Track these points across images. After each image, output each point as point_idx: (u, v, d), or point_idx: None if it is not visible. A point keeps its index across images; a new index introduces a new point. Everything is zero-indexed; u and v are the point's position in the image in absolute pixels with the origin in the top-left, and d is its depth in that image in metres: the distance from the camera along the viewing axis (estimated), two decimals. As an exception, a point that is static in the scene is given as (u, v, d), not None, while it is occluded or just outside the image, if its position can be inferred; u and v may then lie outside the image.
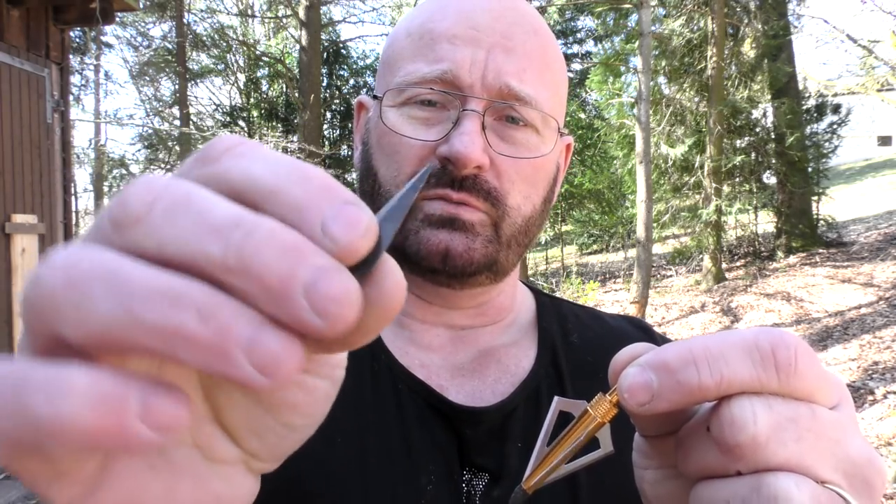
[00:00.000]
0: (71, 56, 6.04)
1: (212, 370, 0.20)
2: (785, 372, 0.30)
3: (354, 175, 0.74)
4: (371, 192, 0.67)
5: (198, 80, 14.54)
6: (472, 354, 0.70)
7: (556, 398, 0.37)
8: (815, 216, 11.46)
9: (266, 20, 15.90)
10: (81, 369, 0.20)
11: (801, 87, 12.19)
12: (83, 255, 0.21)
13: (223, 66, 14.74)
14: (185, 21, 12.60)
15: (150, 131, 12.77)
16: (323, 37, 13.48)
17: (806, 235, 11.20)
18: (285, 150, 10.70)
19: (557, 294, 7.90)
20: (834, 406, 0.32)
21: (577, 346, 0.73)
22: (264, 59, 15.00)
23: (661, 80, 12.07)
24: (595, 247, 16.52)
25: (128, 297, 0.20)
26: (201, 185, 0.23)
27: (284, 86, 14.77)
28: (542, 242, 15.83)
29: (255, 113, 15.37)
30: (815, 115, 11.72)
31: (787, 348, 0.30)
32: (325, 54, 14.46)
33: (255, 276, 0.20)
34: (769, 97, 11.18)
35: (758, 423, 0.29)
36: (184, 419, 0.21)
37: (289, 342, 0.20)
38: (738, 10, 11.47)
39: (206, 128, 14.20)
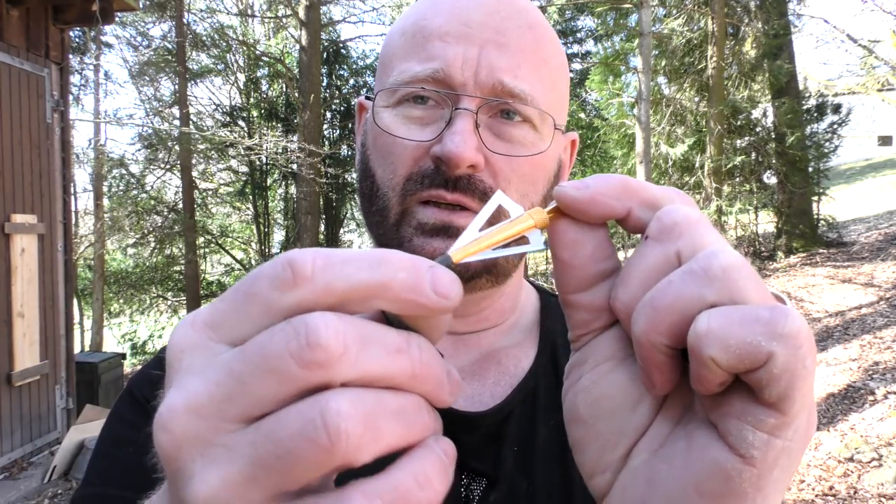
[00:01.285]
0: (71, 56, 6.04)
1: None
2: (685, 199, 0.35)
3: (355, 175, 0.73)
4: (370, 193, 0.66)
5: (198, 80, 14.53)
6: (474, 357, 0.70)
7: (498, 192, 0.38)
8: (815, 216, 11.45)
9: (266, 20, 15.89)
10: (424, 461, 0.27)
11: (801, 86, 12.18)
12: (353, 401, 0.25)
13: (223, 66, 14.73)
14: (185, 21, 12.59)
15: (149, 131, 12.76)
16: (323, 37, 13.47)
17: (806, 235, 11.19)
18: (285, 149, 10.68)
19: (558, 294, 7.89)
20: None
21: None
22: (264, 59, 14.99)
23: (661, 79, 12.07)
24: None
25: (402, 416, 0.26)
26: (324, 306, 0.26)
27: (284, 86, 14.76)
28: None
29: (255, 113, 15.36)
30: (815, 114, 11.71)
31: (686, 196, 0.36)
32: (325, 54, 14.45)
33: (430, 377, 0.28)
34: (769, 97, 11.18)
35: (688, 209, 0.33)
36: (458, 294, 0.28)
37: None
38: (738, 9, 11.47)
39: (205, 128, 14.19)
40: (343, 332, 0.25)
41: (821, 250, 10.88)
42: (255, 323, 0.26)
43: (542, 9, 10.73)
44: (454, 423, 0.63)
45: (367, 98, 0.69)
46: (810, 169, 11.32)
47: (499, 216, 0.40)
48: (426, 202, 0.62)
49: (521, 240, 0.35)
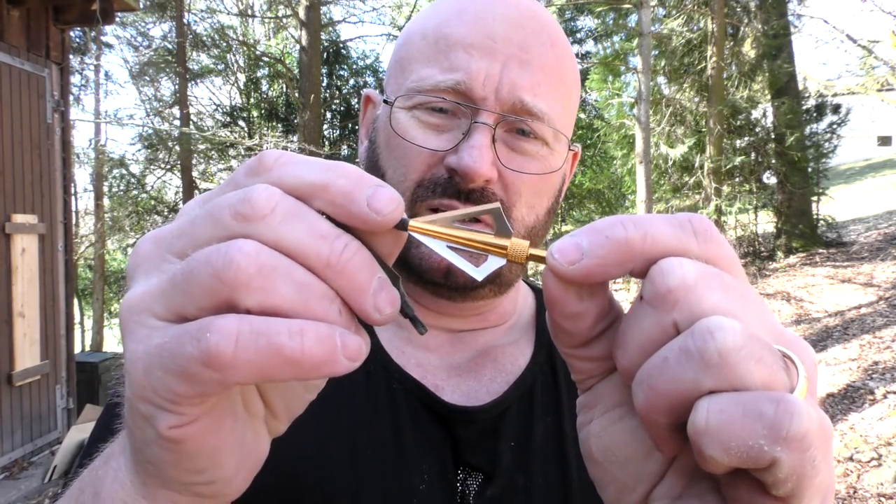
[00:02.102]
0: (71, 56, 6.04)
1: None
2: (703, 237, 0.31)
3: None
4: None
5: (198, 80, 14.52)
6: (470, 354, 0.70)
7: (498, 205, 0.35)
8: (814, 216, 11.45)
9: (266, 20, 15.88)
10: (308, 321, 0.28)
11: (801, 87, 12.18)
12: (258, 249, 0.28)
13: (223, 66, 14.73)
14: (185, 21, 12.58)
15: (150, 131, 12.76)
16: (323, 37, 13.46)
17: (806, 235, 11.19)
18: (285, 149, 10.67)
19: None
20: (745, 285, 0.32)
21: None
22: (264, 59, 14.99)
23: (661, 80, 12.07)
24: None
25: (301, 288, 0.28)
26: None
27: (284, 86, 14.76)
28: (543, 243, 15.79)
29: (255, 113, 15.36)
30: (814, 115, 11.71)
31: (702, 220, 0.31)
32: (325, 54, 14.45)
33: (347, 276, 0.29)
34: (769, 97, 11.18)
35: (684, 268, 0.29)
36: (365, 353, 0.29)
37: (364, 336, 0.30)
38: (738, 10, 11.47)
39: (206, 128, 14.19)
40: (277, 201, 0.29)
41: (820, 250, 10.88)
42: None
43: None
44: (450, 416, 0.64)
45: (385, 100, 0.69)
46: (810, 169, 11.32)
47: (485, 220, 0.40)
48: (436, 209, 0.62)
49: (480, 255, 0.34)
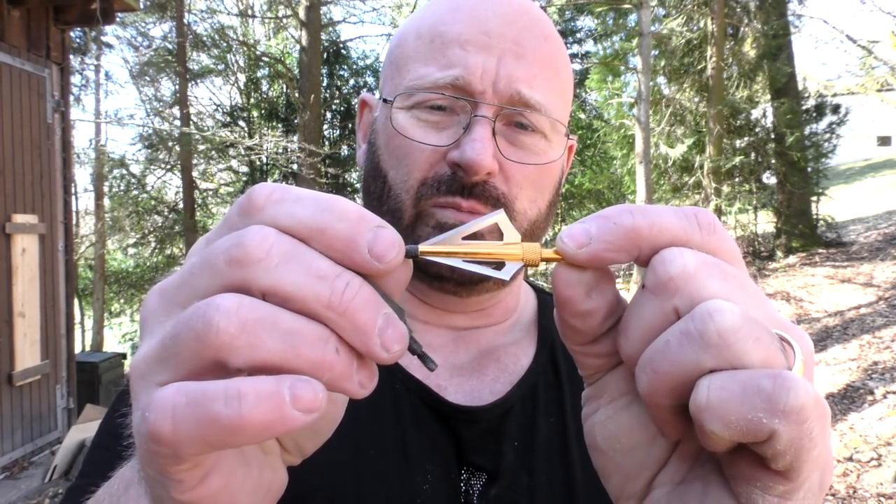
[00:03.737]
0: (71, 56, 6.04)
1: (334, 386, 0.28)
2: (707, 229, 0.32)
3: (355, 175, 0.72)
4: (380, 193, 0.67)
5: (198, 80, 14.52)
6: (473, 354, 0.71)
7: (501, 213, 0.36)
8: (814, 216, 11.45)
9: (266, 20, 15.88)
10: (245, 379, 0.26)
11: (800, 87, 12.18)
12: (238, 304, 0.26)
13: (223, 66, 14.72)
14: (185, 21, 12.58)
15: (150, 131, 12.75)
16: (323, 37, 13.46)
17: (805, 235, 11.19)
18: (285, 149, 10.68)
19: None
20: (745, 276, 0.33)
21: None
22: (264, 59, 14.99)
23: (661, 80, 12.07)
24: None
25: (290, 337, 0.27)
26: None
27: (284, 86, 14.75)
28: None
29: (255, 113, 15.36)
30: (814, 115, 11.71)
31: (706, 214, 0.32)
32: (325, 54, 14.44)
33: (349, 316, 0.28)
34: (769, 97, 11.18)
35: (685, 257, 0.30)
36: (321, 402, 0.26)
37: (371, 370, 0.30)
38: (737, 10, 11.47)
39: (206, 128, 14.19)
40: (272, 243, 0.28)
41: (820, 250, 10.88)
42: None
43: (543, 9, 10.73)
44: (453, 416, 0.64)
45: (384, 99, 0.70)
46: (809, 169, 11.32)
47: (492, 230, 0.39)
48: (442, 206, 0.63)
49: (497, 264, 0.35)
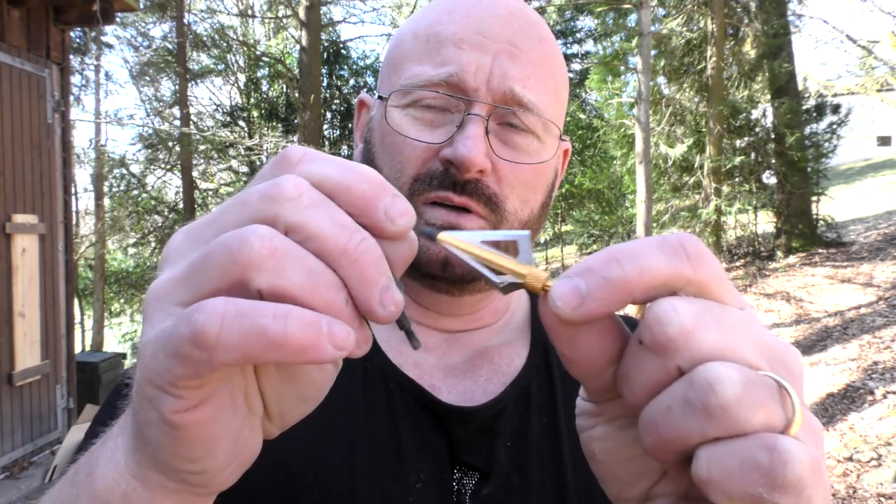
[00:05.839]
0: (71, 56, 6.04)
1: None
2: (696, 259, 0.31)
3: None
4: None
5: (198, 81, 14.52)
6: (466, 355, 0.71)
7: (527, 233, 0.36)
8: (814, 216, 11.45)
9: (266, 20, 15.88)
10: (294, 306, 0.29)
11: (800, 87, 12.18)
12: (273, 234, 0.29)
13: (223, 66, 14.73)
14: (185, 21, 12.58)
15: (150, 131, 12.76)
16: (323, 37, 13.46)
17: (805, 235, 11.20)
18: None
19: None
20: (741, 308, 0.33)
21: None
22: (264, 59, 14.99)
23: (661, 80, 12.07)
24: (595, 247, 16.52)
25: (311, 274, 0.29)
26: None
27: (285, 86, 14.76)
28: (542, 242, 15.83)
29: (255, 113, 15.36)
30: (814, 115, 11.71)
31: (692, 241, 0.32)
32: (325, 54, 14.44)
33: (360, 266, 0.30)
34: (769, 97, 11.18)
35: (679, 313, 0.30)
36: (352, 343, 0.29)
37: (367, 333, 0.32)
38: (737, 9, 11.47)
39: (206, 128, 14.19)
40: (304, 189, 0.31)
41: (820, 250, 10.89)
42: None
43: (542, 9, 10.74)
44: (447, 416, 0.64)
45: (379, 96, 0.70)
46: (809, 169, 11.32)
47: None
48: (433, 203, 0.64)
49: (501, 273, 0.36)
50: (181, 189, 13.03)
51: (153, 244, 13.21)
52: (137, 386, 0.32)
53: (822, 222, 11.43)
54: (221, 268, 0.29)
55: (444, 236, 0.35)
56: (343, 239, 0.30)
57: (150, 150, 13.09)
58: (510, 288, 0.35)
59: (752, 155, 11.36)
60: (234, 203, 0.32)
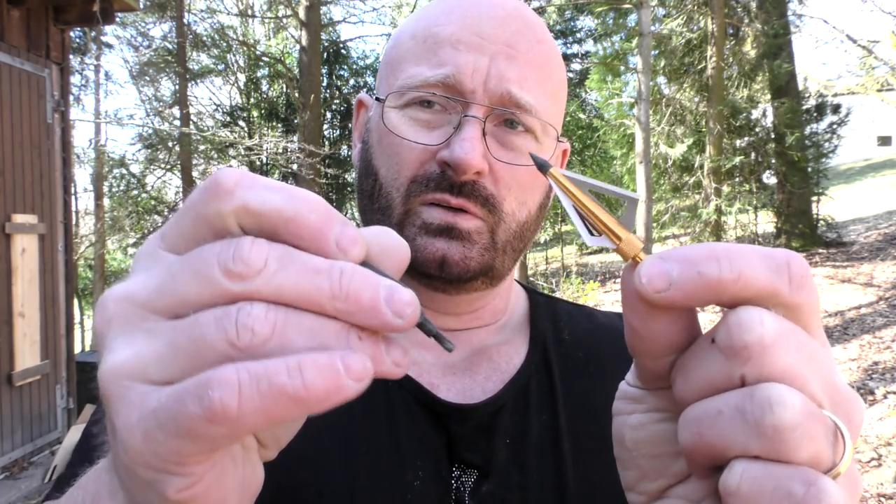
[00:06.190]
0: (71, 56, 6.04)
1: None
2: (796, 282, 0.30)
3: (354, 175, 0.75)
4: (371, 191, 0.67)
5: (198, 80, 14.53)
6: (465, 353, 0.71)
7: (639, 196, 0.35)
8: (814, 216, 11.46)
9: (266, 20, 15.89)
10: (303, 354, 0.27)
11: (801, 87, 12.19)
12: (267, 310, 0.27)
13: (223, 66, 14.74)
14: (185, 21, 12.58)
15: (150, 131, 12.76)
16: (323, 37, 13.47)
17: (806, 235, 11.20)
18: (285, 149, 10.69)
19: (557, 294, 7.92)
20: (823, 345, 0.33)
21: (568, 343, 0.74)
22: (264, 59, 15.00)
23: (661, 80, 12.08)
24: (595, 246, 16.46)
25: (317, 334, 0.28)
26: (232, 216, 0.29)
27: (284, 86, 14.76)
28: (542, 242, 15.83)
29: (255, 113, 15.37)
30: (814, 115, 11.72)
31: (800, 264, 0.31)
32: (325, 54, 14.45)
33: (353, 299, 0.28)
34: (769, 97, 11.19)
35: (765, 326, 0.29)
36: (370, 370, 0.28)
37: (401, 347, 0.30)
38: (738, 9, 11.48)
39: (206, 128, 14.20)
40: (267, 251, 0.28)
41: (820, 250, 10.89)
42: (190, 231, 0.30)
43: (542, 9, 10.74)
44: (445, 413, 0.64)
45: (377, 98, 0.70)
46: (810, 169, 11.33)
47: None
48: (430, 204, 0.63)
49: (597, 231, 0.35)
50: (181, 189, 13.03)
51: (153, 244, 13.19)
52: (126, 470, 0.30)
53: (822, 222, 11.44)
54: (220, 353, 0.27)
55: (556, 171, 0.33)
56: (325, 285, 0.28)
57: (149, 150, 13.10)
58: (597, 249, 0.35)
59: (753, 155, 11.36)
60: (190, 273, 0.28)
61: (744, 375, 0.29)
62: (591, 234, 0.35)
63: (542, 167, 0.33)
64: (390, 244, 0.32)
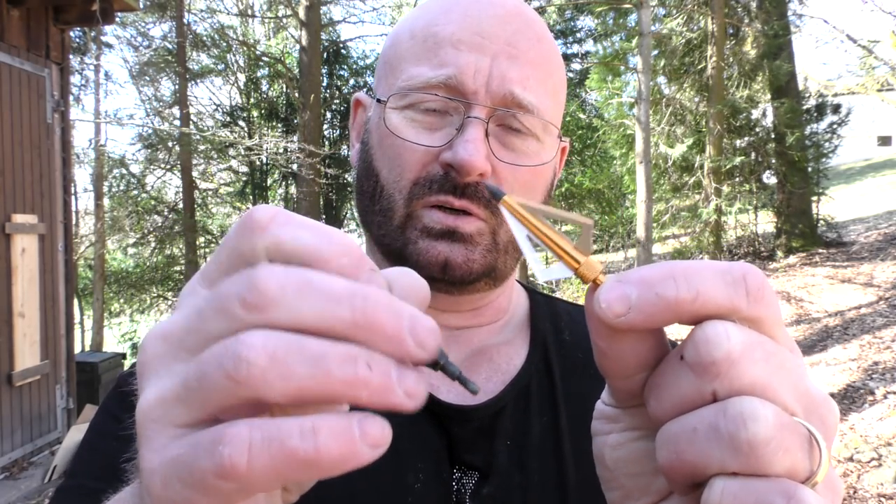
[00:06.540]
0: (71, 56, 6.04)
1: (378, 403, 0.27)
2: (754, 297, 0.30)
3: (354, 173, 0.74)
4: (372, 193, 0.67)
5: (198, 80, 14.52)
6: (466, 354, 0.71)
7: (592, 221, 0.35)
8: (814, 216, 11.46)
9: (266, 20, 15.89)
10: (320, 416, 0.26)
11: (801, 87, 12.19)
12: (265, 338, 0.26)
13: (223, 66, 14.73)
14: (185, 21, 12.58)
15: (150, 131, 12.76)
16: (323, 37, 13.47)
17: (806, 235, 11.20)
18: (285, 149, 10.69)
19: (557, 294, 7.91)
20: (791, 351, 0.32)
21: (568, 343, 0.74)
22: (264, 59, 14.99)
23: (661, 80, 12.07)
24: (595, 247, 16.44)
25: (319, 361, 0.26)
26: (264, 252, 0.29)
27: (284, 86, 14.76)
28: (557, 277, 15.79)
29: (255, 113, 15.37)
30: (815, 114, 11.72)
31: (756, 276, 0.31)
32: (325, 54, 14.45)
33: (377, 329, 0.27)
34: (769, 97, 11.19)
35: (731, 340, 0.29)
36: (388, 437, 0.27)
37: (417, 373, 0.28)
38: (738, 9, 11.48)
39: (206, 128, 14.20)
40: (284, 279, 0.27)
41: (820, 250, 10.89)
42: (225, 267, 0.30)
43: (542, 9, 10.74)
44: (446, 415, 0.64)
45: (377, 99, 0.70)
46: (810, 169, 11.33)
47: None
48: (433, 206, 0.63)
49: (557, 255, 0.34)
50: (181, 189, 13.03)
51: (153, 244, 13.21)
52: None
53: (822, 222, 11.43)
54: (223, 390, 0.26)
55: (510, 198, 0.33)
56: (346, 313, 0.27)
57: (149, 150, 13.09)
58: (552, 282, 0.34)
59: (753, 155, 11.36)
60: (214, 309, 0.28)
61: (715, 391, 0.29)
62: (545, 267, 0.34)
63: (496, 195, 0.33)
64: (411, 284, 0.31)
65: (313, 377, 0.26)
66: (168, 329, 0.30)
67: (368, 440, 0.26)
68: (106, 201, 12.79)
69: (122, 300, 13.19)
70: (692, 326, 0.31)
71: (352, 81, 16.07)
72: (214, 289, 0.29)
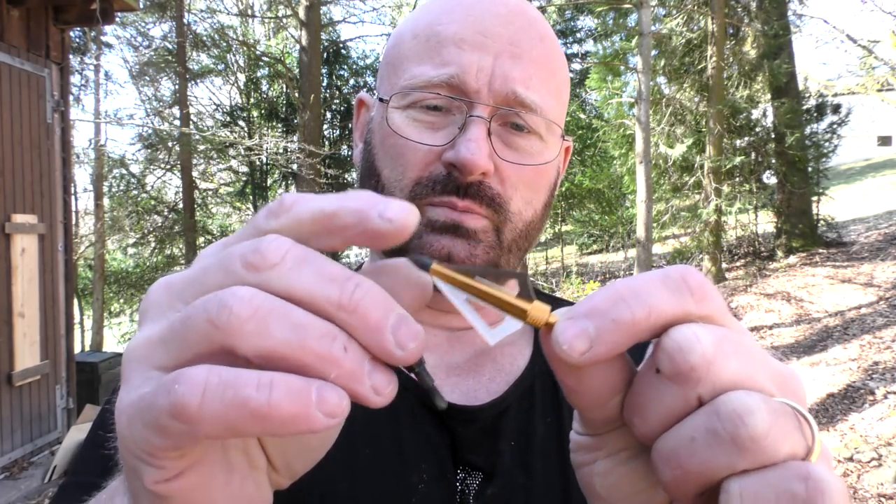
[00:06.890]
0: (71, 56, 6.04)
1: (345, 388, 0.27)
2: (698, 294, 0.31)
3: (355, 175, 0.75)
4: (374, 192, 0.67)
5: (198, 80, 14.52)
6: (468, 354, 0.70)
7: (529, 279, 0.34)
8: (815, 216, 11.46)
9: (266, 20, 15.88)
10: (280, 373, 0.26)
11: (801, 87, 12.18)
12: (253, 294, 0.27)
13: (223, 66, 14.73)
14: (185, 21, 12.58)
15: (150, 131, 12.75)
16: (323, 37, 13.46)
17: (806, 235, 11.20)
18: (285, 149, 10.68)
19: (557, 294, 7.91)
20: (747, 335, 0.32)
21: None
22: (264, 59, 14.99)
23: (661, 79, 12.07)
24: (595, 247, 16.53)
25: (299, 329, 0.27)
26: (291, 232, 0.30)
27: (284, 86, 14.76)
28: (542, 242, 15.83)
29: (255, 113, 15.37)
30: (815, 115, 11.71)
31: (694, 275, 0.31)
32: (325, 54, 14.45)
33: (361, 315, 0.28)
34: (769, 97, 11.18)
35: (702, 341, 0.29)
36: (346, 409, 0.27)
37: (389, 374, 0.28)
38: (738, 9, 11.48)
39: (206, 128, 14.20)
40: (287, 248, 0.29)
41: (820, 250, 10.89)
42: (243, 237, 0.31)
43: (542, 9, 10.74)
44: (449, 416, 0.64)
45: (379, 98, 0.70)
46: (810, 169, 11.33)
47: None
48: (435, 206, 0.63)
49: (499, 314, 0.34)
50: (181, 189, 13.03)
51: (153, 244, 13.21)
52: (119, 454, 0.31)
53: (822, 222, 11.43)
54: (202, 333, 0.27)
55: (437, 266, 0.32)
56: (335, 293, 0.28)
57: (149, 150, 13.08)
58: (501, 342, 0.34)
59: (753, 155, 11.36)
60: (217, 265, 0.29)
61: (700, 395, 0.29)
62: (491, 328, 0.34)
63: (423, 265, 0.32)
64: (412, 277, 0.32)
65: (288, 343, 0.27)
66: (173, 279, 0.31)
67: (324, 407, 0.26)
68: (106, 201, 12.79)
69: (122, 300, 13.18)
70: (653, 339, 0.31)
71: (352, 81, 16.07)
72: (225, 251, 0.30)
